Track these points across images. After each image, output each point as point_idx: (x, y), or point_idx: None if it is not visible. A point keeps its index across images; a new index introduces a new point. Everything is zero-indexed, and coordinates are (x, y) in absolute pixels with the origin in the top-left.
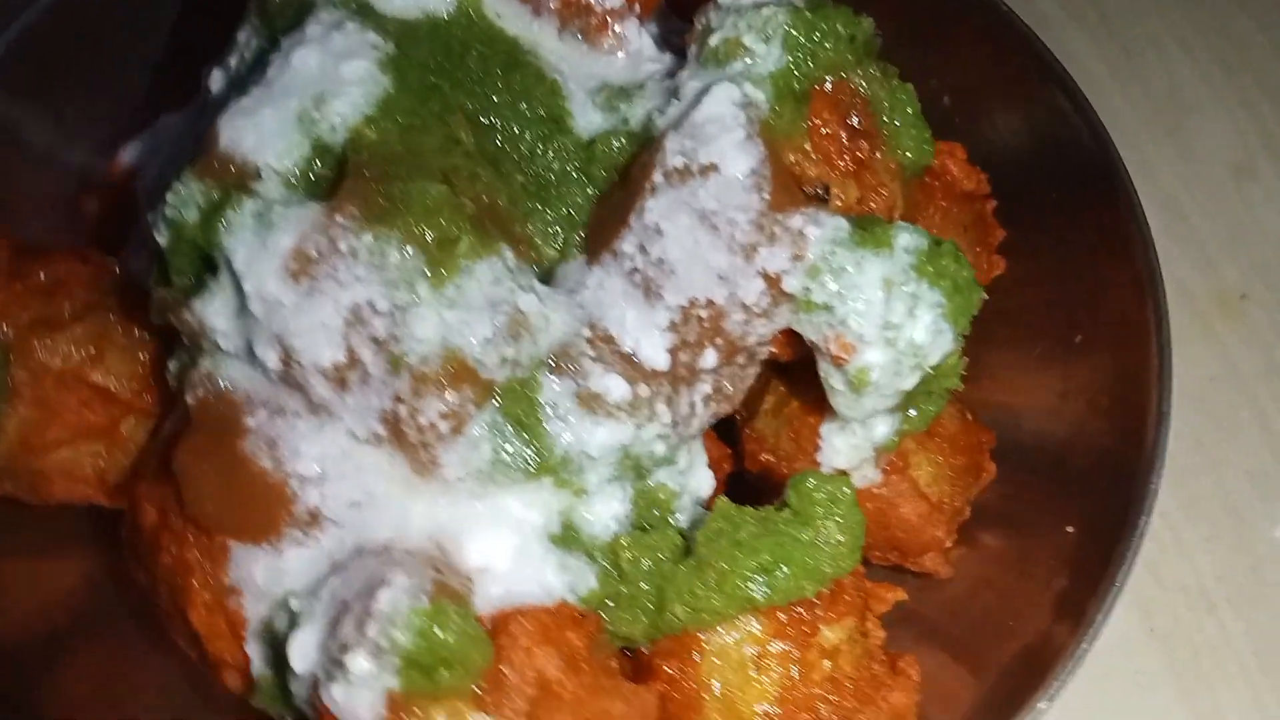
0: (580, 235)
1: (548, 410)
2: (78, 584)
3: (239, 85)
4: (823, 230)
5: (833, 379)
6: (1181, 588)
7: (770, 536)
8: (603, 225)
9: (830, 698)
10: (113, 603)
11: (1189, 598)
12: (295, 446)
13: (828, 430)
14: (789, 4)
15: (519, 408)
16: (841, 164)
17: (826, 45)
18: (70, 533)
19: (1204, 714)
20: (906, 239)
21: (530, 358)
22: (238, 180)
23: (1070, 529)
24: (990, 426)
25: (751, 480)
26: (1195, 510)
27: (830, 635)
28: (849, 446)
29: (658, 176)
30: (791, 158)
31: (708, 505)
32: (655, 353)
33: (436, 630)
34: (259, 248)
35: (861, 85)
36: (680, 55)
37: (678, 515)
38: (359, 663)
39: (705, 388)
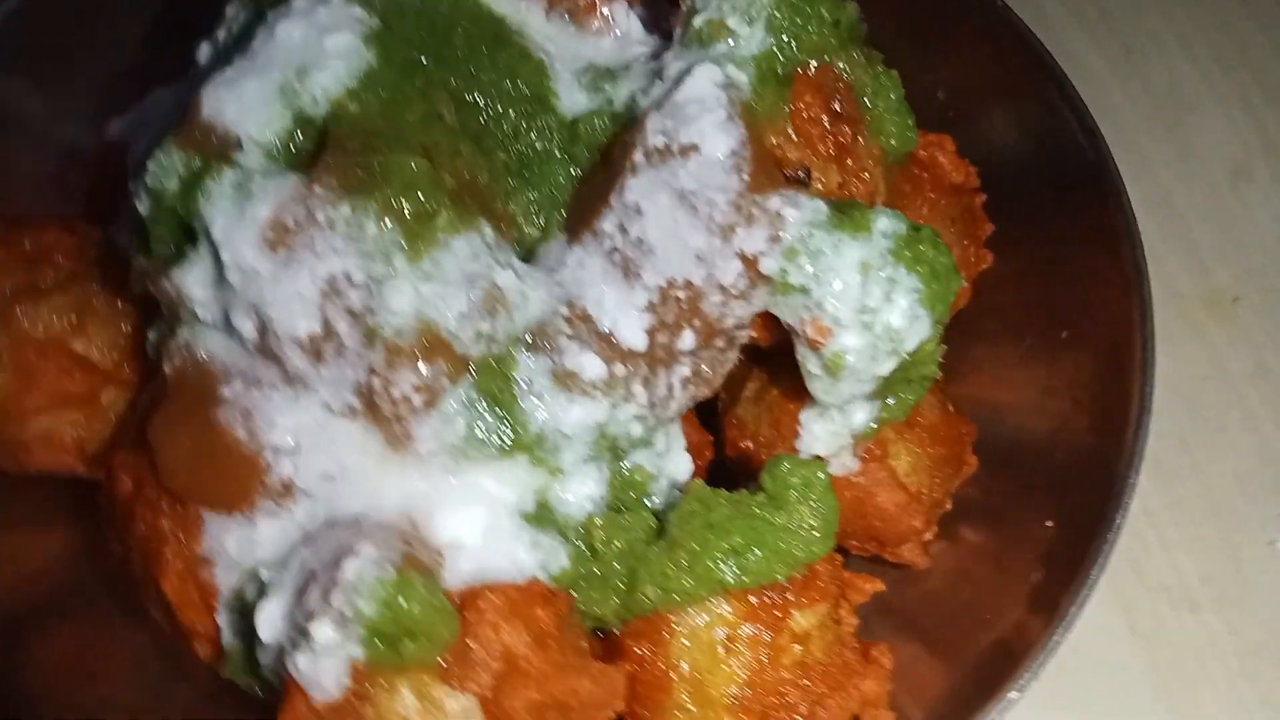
0: (562, 214)
1: (523, 387)
2: (58, 557)
3: (224, 57)
4: (801, 212)
5: (809, 363)
6: (1165, 588)
7: (743, 519)
8: (584, 205)
9: (800, 682)
10: (91, 575)
11: (1172, 598)
12: (270, 417)
13: (807, 417)
14: None
15: (494, 384)
16: (823, 148)
17: (810, 29)
18: (51, 505)
19: (1184, 714)
20: (885, 223)
21: (506, 334)
22: (219, 150)
23: (1049, 524)
24: (974, 421)
25: (732, 467)
26: (1181, 511)
27: (802, 620)
28: (827, 433)
29: (638, 156)
30: (773, 140)
31: (686, 489)
32: (633, 333)
33: (401, 601)
34: (237, 217)
35: (845, 70)
36: (668, 38)
37: (654, 498)
38: (324, 631)
39: (684, 370)
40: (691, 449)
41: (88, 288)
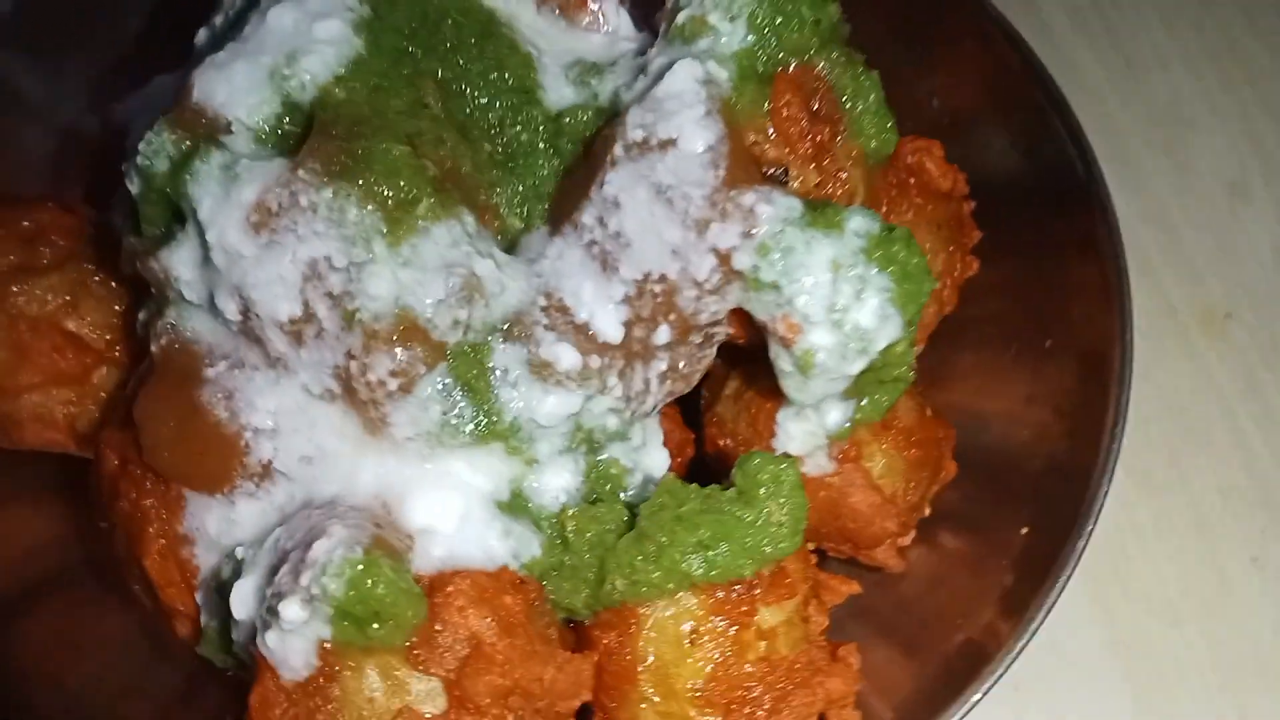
0: (545, 206)
1: (498, 375)
2: (50, 534)
3: (219, 42)
4: (774, 209)
5: (782, 360)
6: (1146, 600)
7: (711, 514)
8: (566, 197)
9: (764, 678)
10: (81, 554)
11: (1153, 611)
12: (251, 399)
13: (783, 416)
14: None
15: (470, 371)
16: (802, 147)
17: (791, 27)
18: (43, 484)
19: None
20: (858, 222)
21: (483, 322)
22: (208, 133)
23: (1025, 530)
24: (959, 428)
25: (712, 464)
26: (1166, 524)
27: (769, 617)
28: (803, 433)
29: (618, 150)
30: (752, 138)
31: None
32: (609, 325)
33: (368, 582)
34: (223, 199)
35: (825, 70)
36: (657, 34)
37: (629, 491)
38: (292, 610)
39: (661, 365)
40: (673, 445)
41: (83, 268)
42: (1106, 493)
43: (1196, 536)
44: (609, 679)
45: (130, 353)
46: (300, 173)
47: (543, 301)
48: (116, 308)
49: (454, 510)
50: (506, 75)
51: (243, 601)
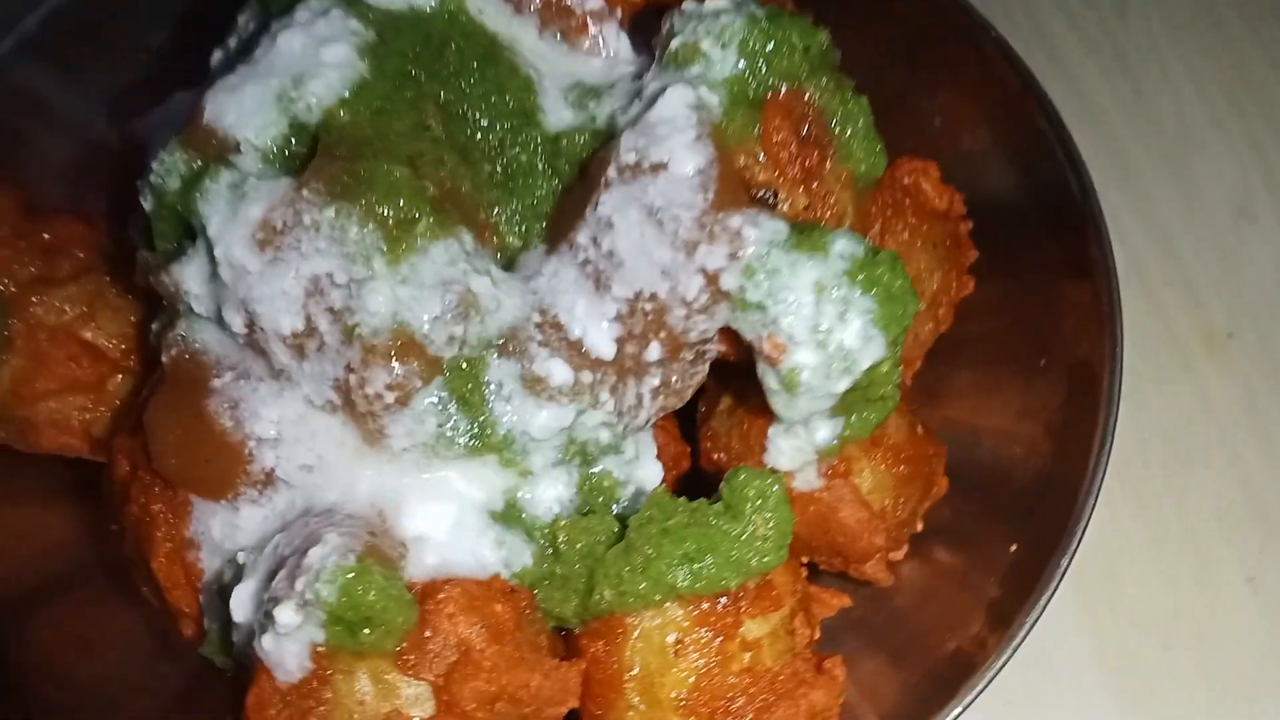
0: (543, 225)
1: (493, 389)
2: (65, 535)
3: (231, 64)
4: (760, 231)
5: (768, 379)
6: (1137, 621)
7: (698, 527)
8: (563, 217)
9: (748, 689)
10: (93, 555)
11: (1145, 631)
12: (255, 409)
13: (774, 432)
14: (748, 13)
15: (465, 385)
16: (791, 171)
17: (781, 54)
18: (59, 486)
19: None
20: (842, 245)
21: (479, 338)
22: (218, 152)
23: (1014, 547)
24: (954, 444)
25: (706, 478)
26: (1160, 544)
27: (753, 629)
28: (792, 449)
29: (612, 172)
30: (742, 161)
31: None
32: (602, 341)
33: (360, 588)
34: (231, 216)
35: (815, 95)
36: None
37: (623, 503)
38: (286, 614)
39: (653, 381)
40: (670, 458)
41: (100, 279)
42: (1093, 511)
43: (1191, 556)
44: (596, 687)
45: (144, 362)
46: (304, 192)
47: (537, 318)
48: (132, 318)
49: (447, 519)
50: (507, 98)
51: (242, 605)
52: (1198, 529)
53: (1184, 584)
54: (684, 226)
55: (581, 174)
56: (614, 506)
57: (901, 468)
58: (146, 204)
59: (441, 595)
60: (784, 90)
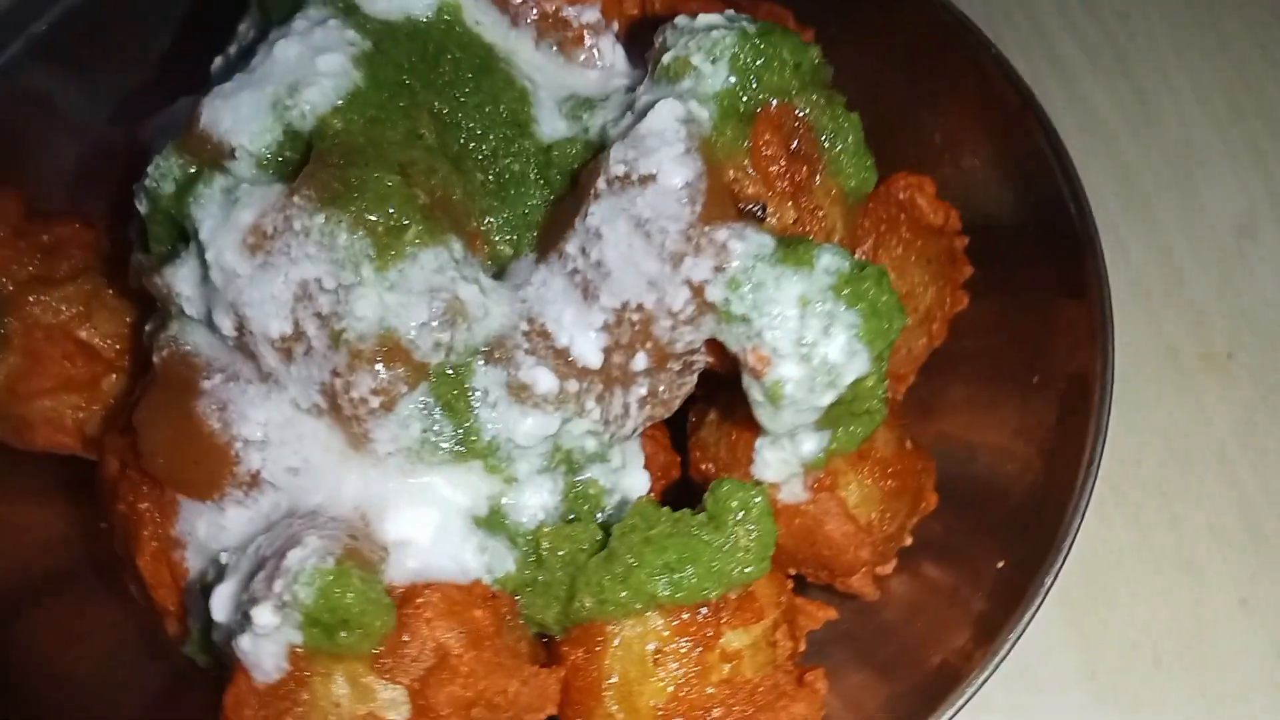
0: (534, 235)
1: (478, 396)
2: (56, 535)
3: (229, 71)
4: (746, 245)
5: (753, 390)
6: (1129, 639)
7: (680, 537)
8: (553, 227)
9: (726, 700)
10: (84, 555)
11: (1136, 649)
12: (243, 411)
13: (761, 444)
14: (740, 28)
15: (450, 391)
16: (780, 185)
17: (772, 69)
18: (53, 484)
19: None
20: (828, 260)
21: (465, 345)
22: (212, 158)
23: (1001, 563)
24: (947, 460)
25: (694, 488)
26: (1154, 563)
27: (734, 640)
28: (778, 461)
29: (601, 183)
30: (732, 175)
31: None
32: (589, 351)
33: (337, 591)
34: (223, 221)
35: (805, 111)
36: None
37: (609, 512)
38: (264, 615)
39: (640, 391)
40: (659, 468)
41: (97, 281)
42: (1079, 528)
43: (1185, 575)
44: (575, 694)
45: (137, 363)
46: (295, 199)
47: (525, 326)
48: (127, 320)
49: (431, 524)
50: (501, 108)
51: (222, 605)
52: (1192, 548)
53: (1177, 602)
54: (671, 238)
55: (573, 184)
56: (599, 515)
57: (889, 482)
58: (141, 207)
59: (420, 600)
60: (774, 105)
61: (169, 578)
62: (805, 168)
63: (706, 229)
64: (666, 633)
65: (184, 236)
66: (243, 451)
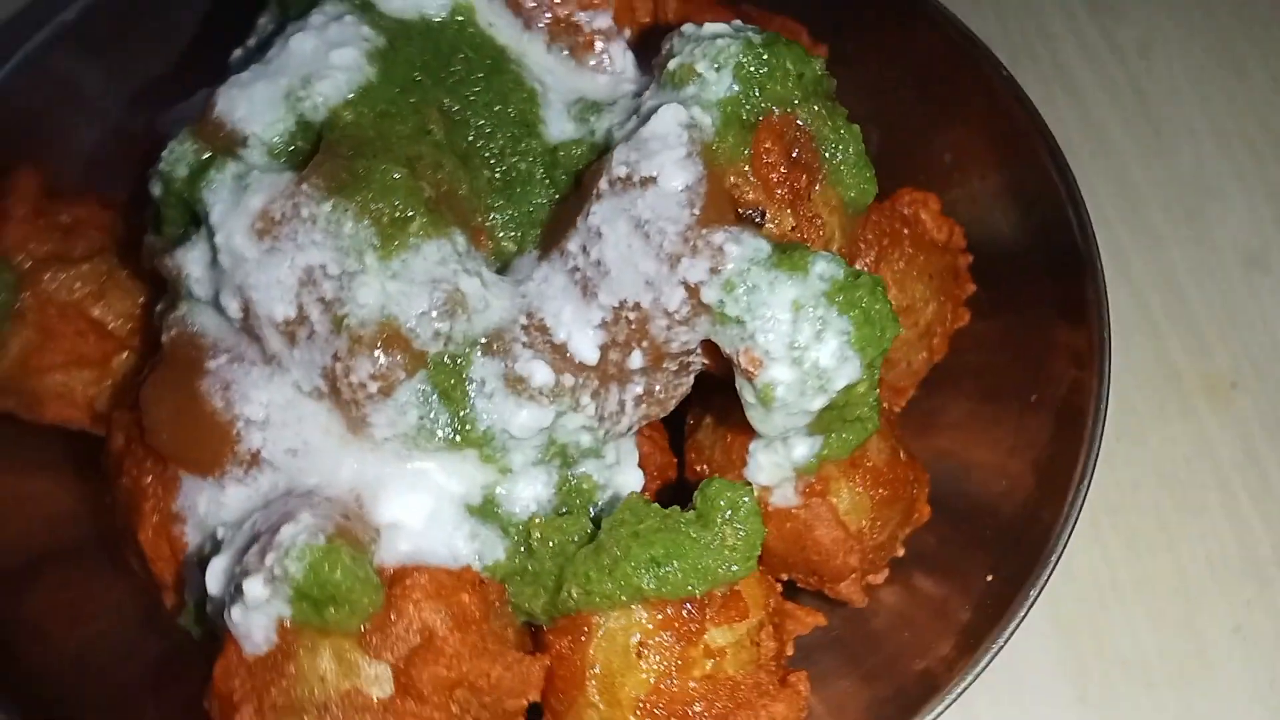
0: (538, 233)
1: (475, 386)
2: (64, 507)
3: (246, 62)
4: (742, 248)
5: (745, 392)
6: (1122, 661)
7: (667, 532)
8: (557, 225)
9: (707, 696)
10: (90, 529)
11: (1129, 672)
12: (246, 392)
13: (754, 447)
14: (745, 38)
15: (447, 380)
16: (779, 192)
17: (775, 79)
18: (62, 459)
19: None
20: (822, 267)
21: (464, 335)
22: (225, 145)
23: (990, 578)
24: (943, 475)
25: (691, 489)
26: (1149, 587)
27: (718, 637)
28: (771, 464)
29: (603, 184)
30: (732, 181)
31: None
32: (586, 347)
33: (326, 567)
34: (233, 205)
35: (807, 121)
36: None
37: (601, 507)
38: (255, 588)
39: (636, 389)
40: (655, 468)
41: (112, 262)
42: (1065, 545)
43: (1180, 602)
44: (559, 683)
45: (148, 343)
46: (304, 186)
47: (524, 320)
48: (139, 300)
49: (424, 509)
50: (510, 108)
51: (216, 577)
52: (1188, 574)
53: (1171, 628)
54: (669, 239)
55: (577, 185)
56: (591, 509)
57: (881, 491)
58: (154, 190)
59: (409, 581)
60: (776, 114)
61: (168, 551)
62: (805, 176)
63: (704, 231)
64: (650, 626)
65: (195, 220)
66: (244, 431)
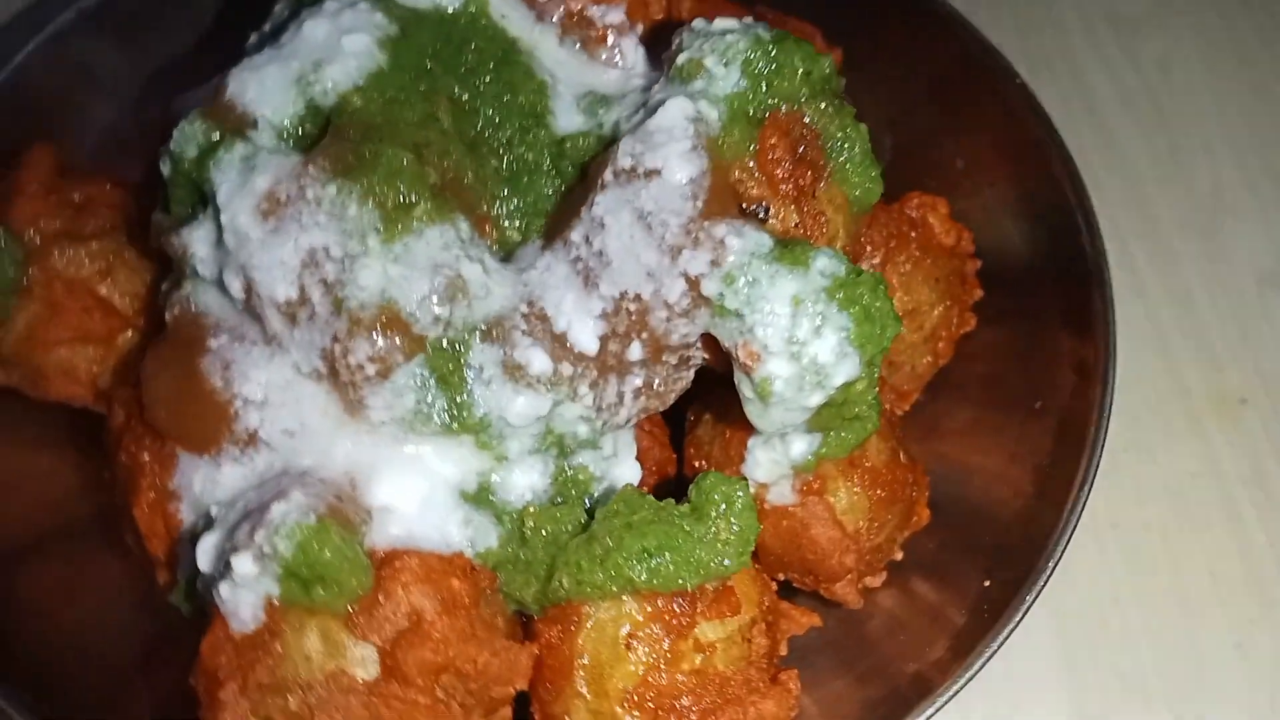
0: (543, 223)
1: (473, 372)
2: (65, 485)
3: (260, 46)
4: (743, 241)
5: (743, 386)
6: (1120, 675)
7: (660, 524)
8: (561, 215)
9: (695, 690)
10: (89, 506)
11: (1126, 686)
12: (246, 371)
13: (753, 443)
14: (754, 34)
15: (446, 365)
16: (784, 188)
17: (783, 76)
18: (66, 438)
19: None
20: (824, 263)
21: (464, 321)
22: (235, 126)
23: (987, 583)
24: (943, 481)
25: (689, 485)
26: (1150, 602)
27: (708, 631)
28: (769, 461)
29: (608, 175)
30: (736, 176)
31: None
32: (586, 337)
33: (315, 546)
34: (240, 185)
35: (814, 118)
36: None
37: (596, 499)
38: (244, 564)
39: (635, 381)
40: (654, 463)
41: (122, 241)
42: (1063, 553)
43: (1181, 617)
44: (547, 673)
45: (153, 323)
46: (310, 168)
47: (525, 308)
48: (147, 280)
49: (418, 494)
50: (519, 99)
51: (207, 554)
52: (1190, 590)
53: (1170, 643)
54: (671, 231)
55: (583, 176)
56: (586, 501)
57: (879, 492)
58: (164, 169)
59: (399, 563)
60: (783, 111)
61: (162, 528)
62: (810, 173)
63: (706, 224)
64: (640, 618)
65: (203, 200)
66: (242, 410)
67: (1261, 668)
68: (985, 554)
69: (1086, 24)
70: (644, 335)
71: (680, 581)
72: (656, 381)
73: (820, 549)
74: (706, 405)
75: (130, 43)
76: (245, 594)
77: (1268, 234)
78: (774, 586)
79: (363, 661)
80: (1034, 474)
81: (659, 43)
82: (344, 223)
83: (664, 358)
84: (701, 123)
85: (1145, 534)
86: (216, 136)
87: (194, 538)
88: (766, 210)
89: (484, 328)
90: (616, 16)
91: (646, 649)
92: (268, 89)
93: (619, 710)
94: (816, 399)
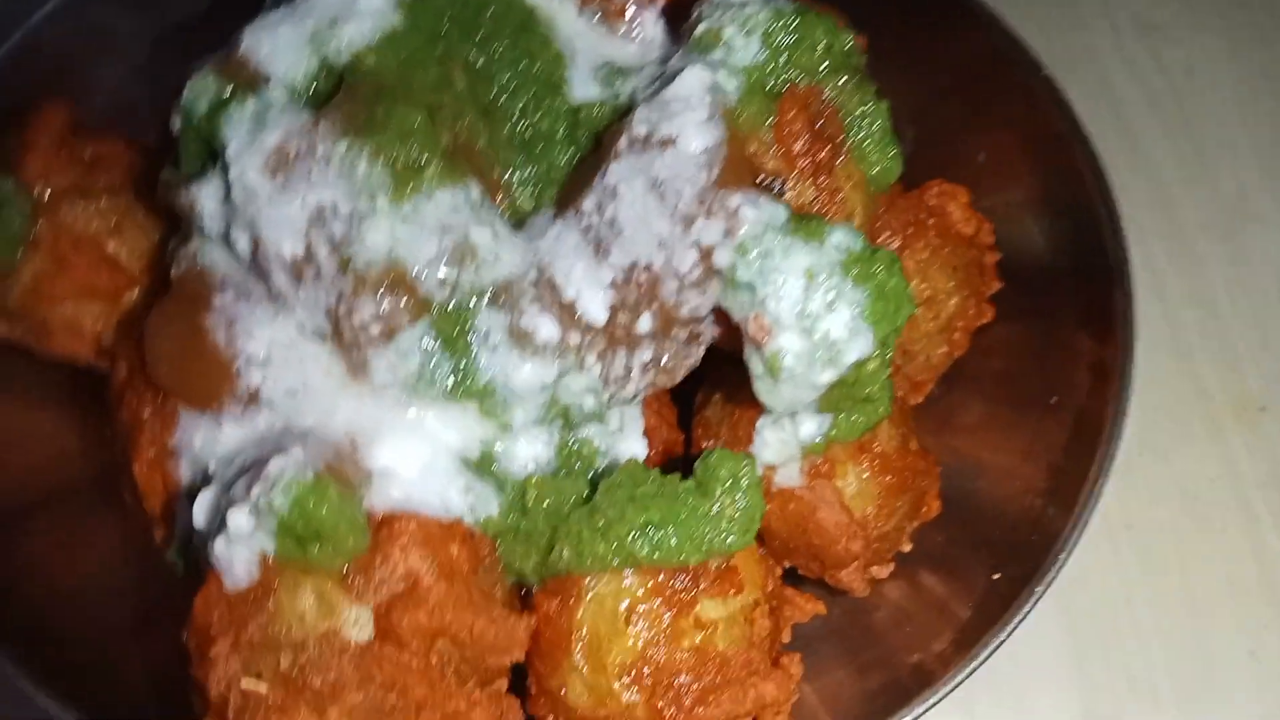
0: (556, 191)
1: (479, 337)
2: (67, 446)
3: (277, 3)
4: (758, 212)
5: (753, 362)
6: (1130, 678)
7: (664, 498)
8: (574, 184)
9: (694, 668)
10: (90, 465)
11: (1135, 690)
12: (250, 329)
13: (762, 423)
14: (775, 6)
15: (451, 329)
16: (801, 162)
17: (803, 49)
18: (69, 396)
19: None
20: (839, 237)
21: (471, 285)
22: (248, 82)
23: (996, 577)
24: (955, 475)
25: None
26: (1163, 606)
27: (710, 609)
28: (778, 441)
29: (623, 143)
30: (754, 148)
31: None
32: (595, 306)
33: (312, 502)
34: (249, 141)
35: (833, 93)
36: None
37: (600, 473)
38: (239, 518)
39: (644, 355)
40: (661, 443)
41: (131, 199)
42: (1071, 551)
43: (1193, 622)
44: (544, 645)
45: (160, 281)
46: (321, 125)
47: (534, 275)
48: (155, 239)
49: (419, 459)
50: (536, 67)
51: (203, 509)
52: (1204, 594)
53: (1182, 647)
54: (684, 200)
55: (597, 145)
56: (590, 474)
57: (888, 478)
58: (174, 124)
59: (398, 525)
60: (802, 84)
61: (161, 486)
62: (828, 149)
63: (720, 194)
64: (641, 592)
65: (213, 156)
66: (245, 368)
67: (1273, 673)
68: (995, 549)
69: (1113, 26)
70: (654, 307)
71: (682, 556)
72: (665, 357)
73: (827, 533)
74: (716, 385)
75: (145, 6)
76: (240, 550)
77: None
78: (779, 571)
79: (357, 622)
80: (1047, 471)
81: (680, 18)
82: (353, 181)
83: (674, 332)
84: (719, 93)
85: (1159, 536)
86: (229, 92)
87: (192, 495)
88: (782, 185)
89: (491, 293)
90: None
91: (646, 624)
92: (281, 46)
93: (616, 685)
94: (827, 376)
